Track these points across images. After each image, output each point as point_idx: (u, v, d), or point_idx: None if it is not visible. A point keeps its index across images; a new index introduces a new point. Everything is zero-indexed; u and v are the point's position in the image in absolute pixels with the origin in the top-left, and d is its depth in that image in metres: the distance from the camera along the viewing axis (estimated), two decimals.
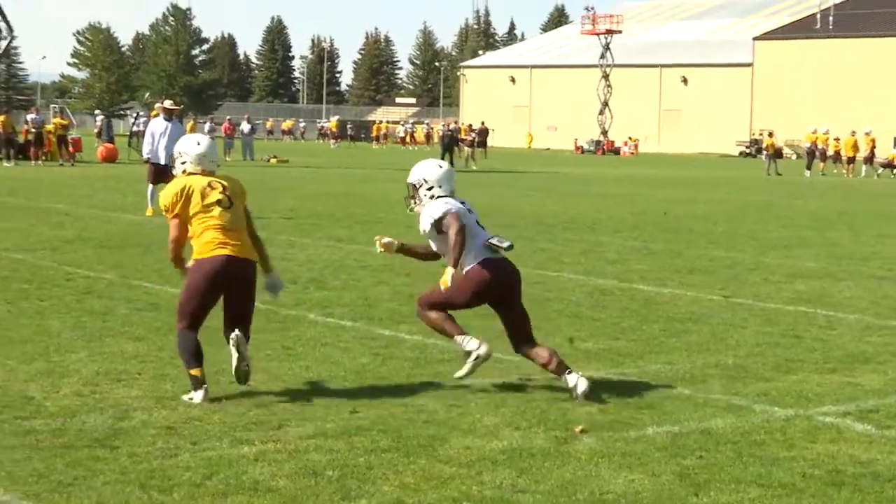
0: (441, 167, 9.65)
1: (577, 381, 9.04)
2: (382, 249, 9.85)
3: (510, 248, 9.29)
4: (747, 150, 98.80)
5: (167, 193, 9.08)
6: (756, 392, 9.43)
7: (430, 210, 9.37)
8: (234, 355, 8.86)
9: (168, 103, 24.81)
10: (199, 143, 9.28)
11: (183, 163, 9.24)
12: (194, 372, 8.76)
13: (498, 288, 9.36)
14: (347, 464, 7.17)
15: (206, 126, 61.56)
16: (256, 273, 9.13)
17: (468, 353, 9.33)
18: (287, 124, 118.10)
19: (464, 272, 9.22)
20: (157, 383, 9.17)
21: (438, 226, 9.28)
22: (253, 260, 9.11)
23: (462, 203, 9.47)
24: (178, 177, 9.20)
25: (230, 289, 8.94)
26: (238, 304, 9.02)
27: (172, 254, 9.24)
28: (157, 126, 24.03)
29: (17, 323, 11.58)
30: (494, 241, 9.35)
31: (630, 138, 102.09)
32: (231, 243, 8.92)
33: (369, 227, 22.60)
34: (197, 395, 8.64)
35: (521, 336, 9.47)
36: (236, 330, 8.87)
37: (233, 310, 9.03)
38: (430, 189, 9.51)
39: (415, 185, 9.57)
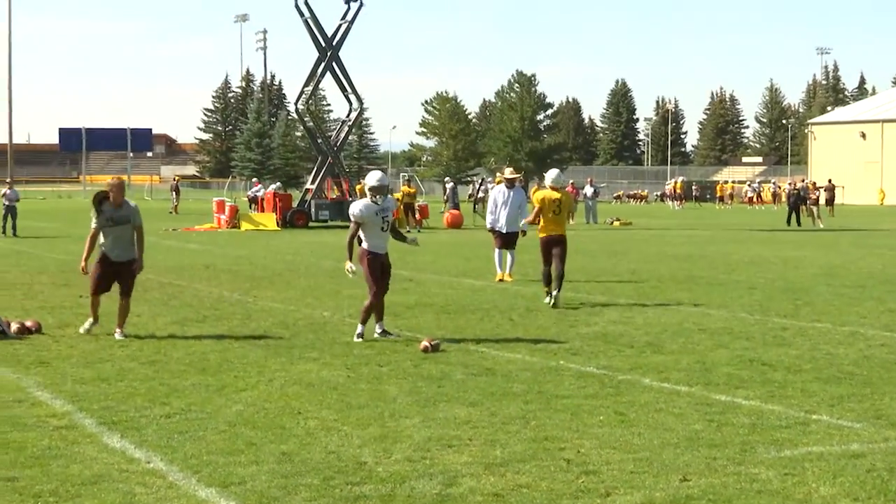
0: (373, 174, 15.60)
1: None
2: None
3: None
4: None
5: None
6: None
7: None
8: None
9: (508, 172, 24.95)
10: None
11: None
12: None
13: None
14: None
15: None
16: None
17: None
18: (642, 193, 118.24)
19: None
20: (488, 449, 9.18)
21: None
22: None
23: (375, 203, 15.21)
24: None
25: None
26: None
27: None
28: (500, 194, 24.24)
29: (355, 388, 11.86)
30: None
31: None
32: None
33: (711, 289, 22.26)
34: None
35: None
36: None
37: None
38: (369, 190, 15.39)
39: None
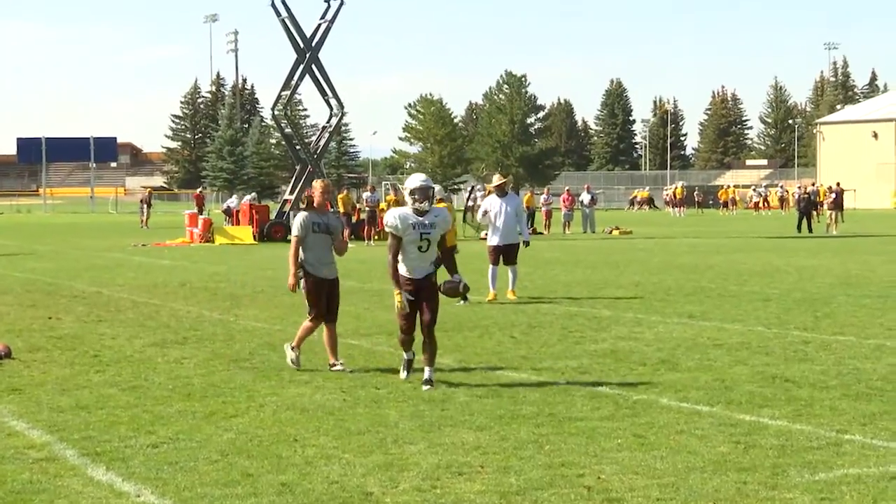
0: (415, 176, 13.63)
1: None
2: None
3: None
4: None
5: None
6: None
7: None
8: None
9: (496, 178, 24.21)
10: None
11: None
12: None
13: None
14: None
15: (543, 197, 62.12)
16: None
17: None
18: (643, 194, 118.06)
19: None
20: (501, 477, 9.15)
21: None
22: None
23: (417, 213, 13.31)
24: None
25: None
26: None
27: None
28: (490, 206, 23.49)
29: (352, 413, 11.82)
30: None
31: None
32: None
33: (722, 301, 22.26)
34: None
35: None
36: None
37: None
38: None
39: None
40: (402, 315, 13.36)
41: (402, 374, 13.64)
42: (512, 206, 23.46)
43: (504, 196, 23.60)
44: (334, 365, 14.47)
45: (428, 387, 13.02)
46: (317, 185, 14.91)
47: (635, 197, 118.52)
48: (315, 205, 14.72)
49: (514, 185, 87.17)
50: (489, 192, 25.08)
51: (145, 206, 70.18)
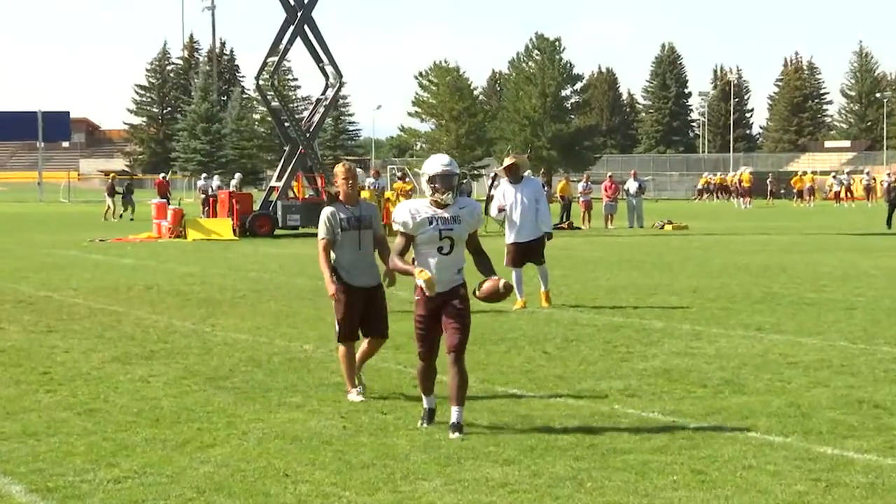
0: (437, 158, 12.62)
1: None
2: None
3: None
4: None
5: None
6: None
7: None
8: None
9: (506, 160, 23.54)
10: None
11: None
12: None
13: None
14: None
15: (581, 185, 62.04)
16: None
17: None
18: (717, 179, 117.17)
19: None
20: None
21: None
22: None
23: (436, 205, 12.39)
24: None
25: None
26: None
27: None
28: (505, 195, 23.09)
29: (354, 442, 11.83)
30: None
31: None
32: None
33: (797, 310, 22.25)
34: None
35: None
36: None
37: None
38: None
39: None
40: (420, 336, 12.59)
41: (421, 424, 12.58)
42: (529, 193, 22.98)
43: (518, 182, 23.15)
44: (354, 393, 14.13)
45: (456, 434, 12.05)
46: (338, 170, 14.26)
47: (708, 184, 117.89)
48: (341, 196, 14.20)
49: (544, 171, 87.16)
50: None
51: (108, 196, 70.42)
